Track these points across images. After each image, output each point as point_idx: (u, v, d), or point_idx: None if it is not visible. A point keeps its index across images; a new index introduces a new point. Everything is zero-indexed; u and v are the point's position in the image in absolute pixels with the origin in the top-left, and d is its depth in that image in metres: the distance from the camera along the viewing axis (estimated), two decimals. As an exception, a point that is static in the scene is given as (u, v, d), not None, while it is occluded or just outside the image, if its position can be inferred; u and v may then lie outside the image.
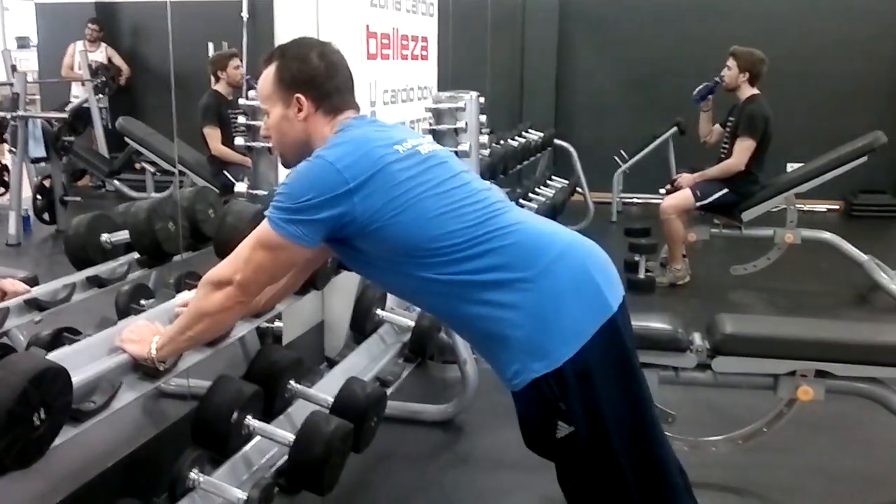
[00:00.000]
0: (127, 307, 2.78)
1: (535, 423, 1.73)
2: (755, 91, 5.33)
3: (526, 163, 6.06)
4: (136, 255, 2.65)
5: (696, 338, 2.84)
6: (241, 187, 3.68)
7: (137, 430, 2.57)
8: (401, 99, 3.71)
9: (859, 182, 7.72)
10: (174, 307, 2.07)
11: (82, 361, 1.72)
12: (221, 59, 5.77)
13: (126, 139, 6.47)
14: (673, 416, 2.86)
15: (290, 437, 2.13)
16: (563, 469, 1.77)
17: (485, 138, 3.92)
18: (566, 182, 6.64)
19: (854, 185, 7.81)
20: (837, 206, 8.29)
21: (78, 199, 6.56)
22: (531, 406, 1.70)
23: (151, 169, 6.91)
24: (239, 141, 3.66)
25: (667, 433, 2.81)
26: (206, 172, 5.60)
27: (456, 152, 3.64)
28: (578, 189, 7.12)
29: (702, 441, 2.91)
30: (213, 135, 5.55)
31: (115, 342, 1.81)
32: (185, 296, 2.13)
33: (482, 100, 3.73)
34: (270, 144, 1.98)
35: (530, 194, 5.83)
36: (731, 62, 5.33)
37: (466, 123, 3.60)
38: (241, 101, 3.67)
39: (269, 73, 1.85)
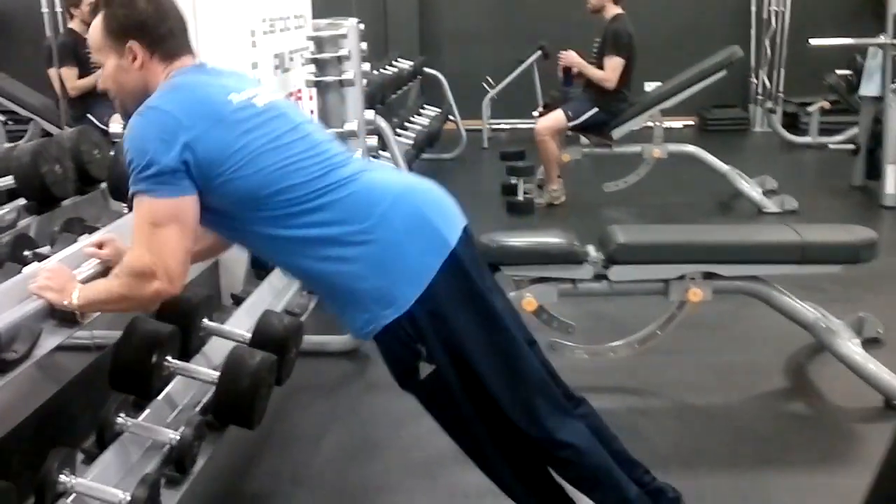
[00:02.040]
0: (10, 258, 2.63)
1: (399, 367, 1.78)
2: (619, 10, 5.46)
3: (399, 92, 6.02)
4: (21, 201, 2.50)
5: (591, 250, 2.96)
6: (116, 127, 3.53)
7: (41, 384, 2.46)
8: (279, 28, 3.60)
9: (711, 97, 8.10)
10: (82, 251, 1.98)
11: (-4, 311, 1.63)
12: (74, -5, 5.40)
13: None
14: (572, 326, 3.00)
15: (213, 373, 2.11)
16: (433, 407, 1.84)
17: (367, 66, 3.88)
18: (438, 110, 6.65)
19: (707, 100, 8.18)
20: (692, 122, 8.68)
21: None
22: (391, 352, 1.76)
23: (2, 118, 6.44)
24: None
25: (568, 343, 3.01)
26: (62, 118, 5.26)
27: (340, 81, 3.60)
28: (450, 117, 7.16)
29: (601, 348, 3.06)
30: (69, 75, 5.22)
31: (31, 288, 1.72)
32: (94, 238, 2.04)
33: (362, 26, 3.68)
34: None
35: (406, 123, 5.82)
36: None
37: (349, 51, 3.55)
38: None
39: (96, 25, 1.77)
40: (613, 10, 5.43)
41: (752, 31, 8.60)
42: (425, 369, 1.73)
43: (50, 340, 1.70)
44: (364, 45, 3.76)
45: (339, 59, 3.53)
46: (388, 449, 2.70)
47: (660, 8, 8.41)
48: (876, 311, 3.35)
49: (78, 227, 2.55)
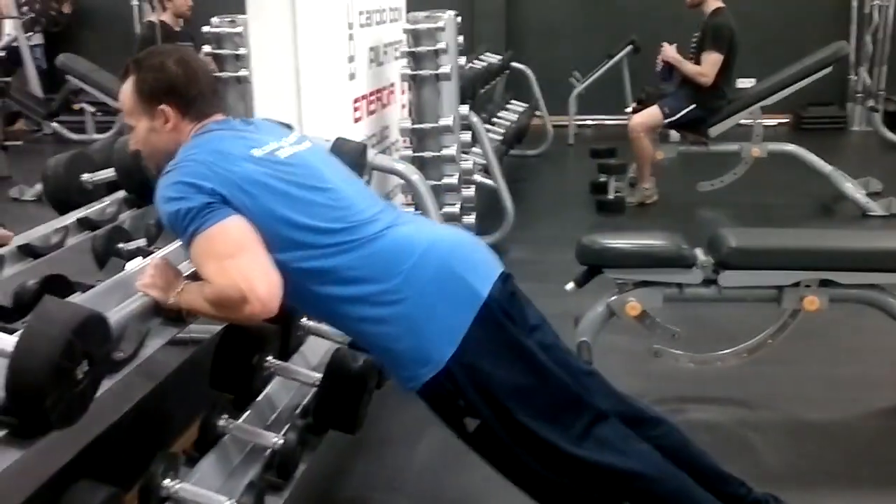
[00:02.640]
0: (106, 251, 2.62)
1: (447, 422, 1.74)
2: (720, 4, 5.26)
3: (488, 87, 5.93)
4: (121, 194, 2.49)
5: (699, 253, 2.82)
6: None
7: (138, 379, 2.44)
8: (375, 21, 3.54)
9: (807, 95, 7.78)
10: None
11: (103, 309, 1.59)
12: (167, -14, 5.45)
13: (67, 77, 6.13)
14: (677, 332, 2.85)
15: (315, 375, 2.05)
16: (489, 457, 1.76)
17: (462, 60, 3.80)
18: (526, 105, 6.54)
19: (802, 98, 7.87)
20: (787, 119, 8.36)
21: (19, 142, 6.23)
22: (436, 407, 1.72)
23: (91, 109, 6.59)
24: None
25: (672, 350, 2.87)
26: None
27: (437, 75, 3.53)
28: (537, 112, 7.03)
29: (708, 356, 2.90)
30: None
31: (138, 286, 1.69)
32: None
33: (459, 20, 3.60)
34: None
35: (494, 119, 5.72)
36: None
37: (447, 44, 3.48)
38: (206, 28, 3.49)
39: (127, 88, 1.80)
40: (714, 4, 5.24)
41: (853, 27, 8.24)
42: (472, 423, 1.68)
43: (156, 340, 1.66)
44: (461, 39, 3.68)
45: (437, 53, 3.47)
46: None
47: (757, 3, 8.11)
48: None
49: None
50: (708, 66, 5.14)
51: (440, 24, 3.45)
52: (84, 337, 1.29)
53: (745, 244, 2.75)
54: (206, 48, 3.44)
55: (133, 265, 1.86)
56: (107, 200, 2.48)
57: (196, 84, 1.79)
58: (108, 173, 2.46)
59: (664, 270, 2.79)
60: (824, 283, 2.72)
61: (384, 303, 1.66)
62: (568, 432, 1.70)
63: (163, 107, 1.76)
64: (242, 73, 3.42)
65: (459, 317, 1.66)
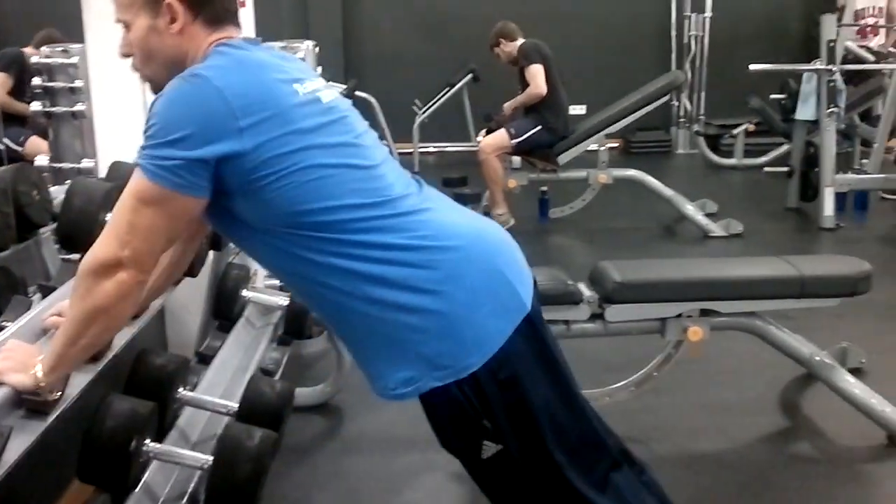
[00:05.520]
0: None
1: (455, 442, 1.51)
2: (520, 41, 5.51)
3: (335, 117, 5.76)
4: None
5: (584, 289, 2.77)
6: (41, 160, 3.17)
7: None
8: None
9: (635, 121, 8.11)
10: (39, 319, 1.66)
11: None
12: None
13: None
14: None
15: (202, 457, 1.80)
16: (493, 487, 1.55)
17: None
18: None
19: (630, 123, 8.19)
20: (616, 145, 8.68)
21: None
22: (444, 421, 1.48)
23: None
24: (35, 105, 3.14)
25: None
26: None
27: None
28: (383, 141, 6.89)
29: (597, 392, 2.85)
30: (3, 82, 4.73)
31: (-12, 374, 1.39)
32: (48, 301, 1.72)
33: (318, 49, 3.43)
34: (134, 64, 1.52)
35: (343, 150, 5.56)
36: (498, 49, 5.55)
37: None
38: (35, 58, 3.13)
39: None
40: (517, 44, 5.48)
41: (673, 56, 8.70)
42: (490, 448, 1.45)
43: (21, 439, 1.37)
44: (319, 69, 3.50)
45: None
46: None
47: (582, 35, 8.40)
48: (849, 338, 3.28)
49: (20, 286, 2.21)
50: (534, 79, 5.30)
51: (299, 54, 3.26)
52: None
53: (629, 278, 2.73)
54: (37, 80, 3.06)
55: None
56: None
57: None
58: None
59: (552, 308, 2.72)
60: (705, 313, 2.75)
61: (417, 290, 1.40)
62: (589, 475, 1.52)
63: (170, 1, 1.43)
64: (79, 107, 3.08)
65: (502, 325, 1.43)
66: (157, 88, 1.46)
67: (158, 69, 1.47)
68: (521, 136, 5.33)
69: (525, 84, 5.37)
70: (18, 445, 1.37)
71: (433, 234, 1.43)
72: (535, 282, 1.57)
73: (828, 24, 5.58)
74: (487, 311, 1.43)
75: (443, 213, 1.50)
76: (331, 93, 1.49)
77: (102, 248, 1.36)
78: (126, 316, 1.48)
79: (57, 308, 1.65)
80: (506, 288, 1.47)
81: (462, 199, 5.30)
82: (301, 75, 1.46)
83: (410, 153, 7.57)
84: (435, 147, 8.22)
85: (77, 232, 2.09)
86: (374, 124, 6.93)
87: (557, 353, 1.56)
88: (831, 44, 5.48)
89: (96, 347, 1.52)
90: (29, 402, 1.43)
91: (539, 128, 5.34)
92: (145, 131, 1.35)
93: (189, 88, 1.35)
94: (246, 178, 1.35)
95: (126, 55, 1.52)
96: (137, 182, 1.35)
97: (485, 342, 1.42)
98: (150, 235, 1.36)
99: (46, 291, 1.99)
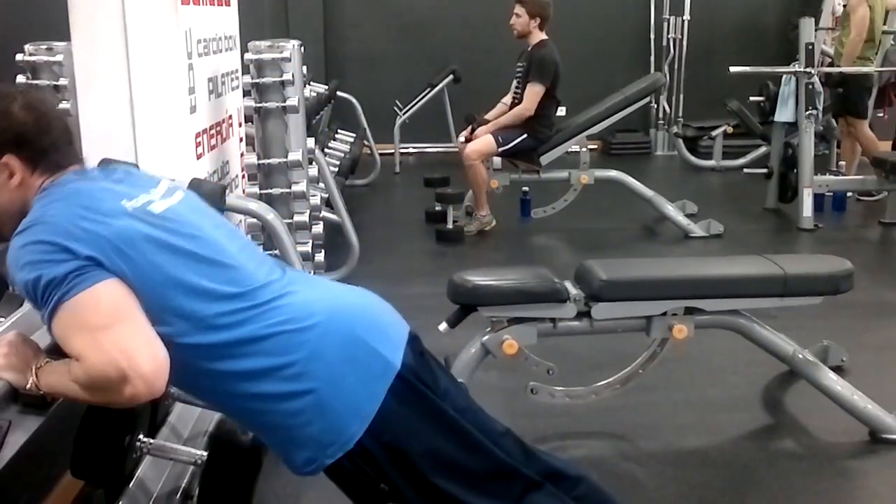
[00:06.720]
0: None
1: None
2: (544, 36, 5.39)
3: (318, 117, 5.75)
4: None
5: (570, 287, 2.79)
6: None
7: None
8: (212, 50, 3.29)
9: (615, 123, 8.17)
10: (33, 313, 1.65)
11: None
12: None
13: None
14: (553, 368, 2.81)
15: (195, 452, 1.80)
16: None
17: (310, 91, 3.62)
18: (354, 135, 6.41)
19: (611, 125, 8.25)
20: (596, 146, 8.72)
21: None
22: (350, 491, 1.56)
23: None
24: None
25: (548, 386, 2.82)
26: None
27: (284, 107, 3.32)
28: (364, 142, 6.91)
29: (583, 390, 2.88)
30: None
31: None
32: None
33: (304, 49, 3.42)
34: None
35: (326, 150, 5.54)
36: (518, 9, 5.34)
37: (293, 75, 3.29)
38: (20, 56, 3.12)
39: None
40: (538, 37, 5.37)
41: (652, 58, 8.75)
42: None
43: (19, 433, 1.37)
44: (304, 69, 3.50)
45: (283, 84, 3.26)
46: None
47: (561, 37, 8.38)
48: (830, 337, 3.33)
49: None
50: (528, 99, 5.28)
51: (285, 53, 3.26)
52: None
53: (615, 276, 2.75)
54: (21, 79, 3.05)
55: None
56: None
57: (48, 133, 1.51)
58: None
59: (539, 306, 2.75)
60: (689, 311, 2.78)
61: (284, 378, 1.45)
62: (501, 502, 1.57)
63: (7, 158, 1.47)
64: (63, 105, 3.07)
65: (372, 390, 1.48)
66: (4, 238, 1.49)
67: (6, 220, 1.50)
68: (508, 144, 5.34)
69: (524, 83, 5.32)
70: (16, 439, 1.37)
71: (291, 318, 1.48)
72: (412, 337, 1.60)
73: (806, 27, 5.64)
74: (353, 379, 1.48)
75: (302, 293, 1.54)
76: (163, 202, 1.52)
77: (100, 367, 1.32)
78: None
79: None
80: (368, 352, 1.50)
81: (444, 199, 5.35)
82: (131, 191, 1.49)
83: (391, 154, 7.55)
84: (416, 148, 8.21)
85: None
86: (356, 125, 6.97)
87: (441, 400, 1.58)
88: (810, 47, 5.55)
89: None
90: (25, 397, 1.43)
91: (526, 136, 5.35)
92: (32, 292, 1.36)
93: (31, 234, 1.38)
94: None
95: None
96: (67, 313, 1.33)
97: (359, 410, 1.47)
98: (136, 348, 1.32)
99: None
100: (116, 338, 1.32)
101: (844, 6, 6.18)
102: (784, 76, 5.84)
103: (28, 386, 1.42)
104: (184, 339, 1.41)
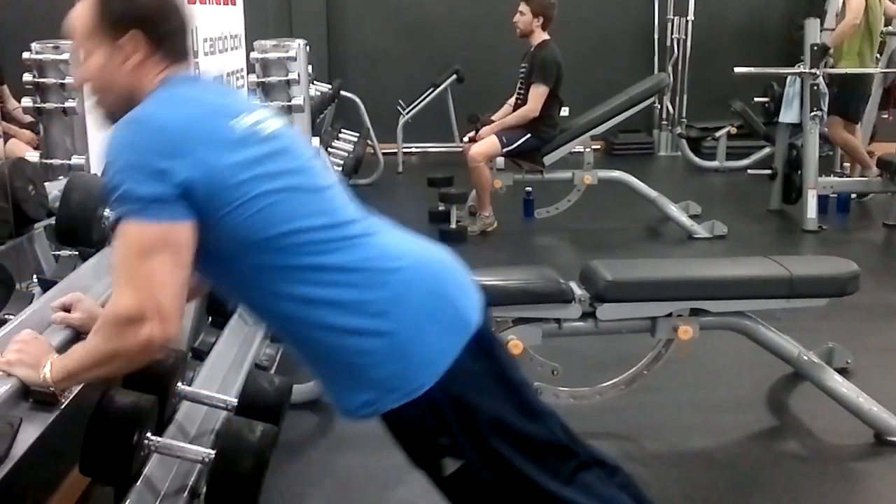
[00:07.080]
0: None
1: (418, 459, 1.55)
2: (546, 36, 5.39)
3: (322, 116, 5.76)
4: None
5: (575, 287, 2.79)
6: (33, 156, 3.17)
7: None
8: (218, 49, 3.29)
9: (618, 123, 8.17)
10: (44, 311, 1.66)
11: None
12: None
13: None
14: (557, 368, 2.81)
15: (203, 450, 1.81)
16: (458, 500, 1.58)
17: (314, 90, 3.62)
18: (357, 135, 6.41)
19: (613, 126, 8.24)
20: (599, 146, 8.71)
21: None
22: (407, 441, 1.53)
23: None
24: (26, 101, 3.13)
25: (552, 386, 2.82)
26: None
27: (289, 107, 3.33)
28: (367, 141, 6.91)
29: (587, 391, 2.88)
30: None
31: (0, 365, 1.40)
32: (58, 298, 1.71)
33: (308, 48, 3.43)
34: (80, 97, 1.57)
35: (329, 149, 5.55)
36: (523, 7, 5.33)
37: (298, 74, 3.29)
38: (26, 54, 3.11)
39: (85, 7, 1.47)
40: (540, 37, 5.37)
41: (656, 59, 8.75)
42: (451, 464, 1.49)
43: (30, 431, 1.37)
44: (310, 68, 3.50)
45: (288, 83, 3.27)
46: (375, 516, 2.42)
47: (565, 37, 8.38)
48: (834, 339, 3.31)
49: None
50: (533, 100, 5.27)
51: (291, 52, 3.26)
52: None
53: (620, 277, 2.75)
54: (27, 77, 3.05)
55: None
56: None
57: (174, 18, 1.50)
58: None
59: (544, 306, 2.75)
60: (694, 313, 2.78)
61: (367, 313, 1.44)
62: (557, 476, 1.55)
63: (134, 33, 1.44)
64: (69, 104, 3.07)
65: (449, 344, 1.47)
66: (110, 118, 1.50)
67: (114, 101, 1.49)
68: (512, 144, 5.33)
69: (527, 84, 5.33)
70: (27, 437, 1.38)
71: (380, 256, 1.48)
72: (485, 303, 1.60)
73: (811, 27, 5.64)
74: (434, 330, 1.47)
75: (388, 236, 1.54)
76: (272, 123, 1.51)
77: (124, 301, 1.35)
78: (144, 362, 1.50)
79: (62, 300, 1.66)
80: (451, 308, 1.51)
81: (448, 199, 5.35)
82: (240, 109, 1.48)
83: (395, 153, 7.55)
84: (419, 147, 8.20)
85: (76, 227, 2.09)
86: (359, 124, 6.97)
87: (510, 367, 1.59)
88: (815, 47, 5.54)
89: (109, 377, 1.54)
90: (36, 394, 1.44)
91: (529, 136, 5.34)
92: (114, 185, 1.36)
93: (137, 131, 1.38)
94: (206, 210, 1.37)
95: (81, 84, 1.54)
96: (130, 231, 1.35)
97: (434, 361, 1.46)
98: (167, 285, 1.35)
99: (46, 285, 1.98)
100: (154, 270, 1.33)
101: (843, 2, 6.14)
102: (789, 77, 5.84)
103: (40, 382, 1.42)
104: (272, 260, 1.41)
